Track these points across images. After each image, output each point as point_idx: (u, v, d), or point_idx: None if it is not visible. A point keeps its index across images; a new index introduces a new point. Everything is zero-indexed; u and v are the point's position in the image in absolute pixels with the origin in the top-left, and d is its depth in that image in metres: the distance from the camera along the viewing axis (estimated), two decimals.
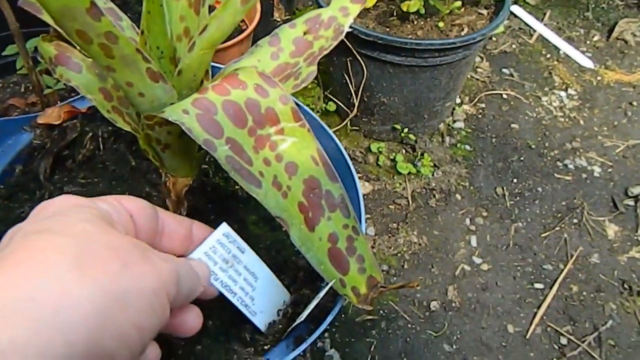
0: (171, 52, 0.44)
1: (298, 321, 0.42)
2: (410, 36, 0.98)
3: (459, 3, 0.98)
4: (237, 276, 0.41)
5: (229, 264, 0.41)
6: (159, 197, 0.54)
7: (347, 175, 0.58)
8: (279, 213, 0.39)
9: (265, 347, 0.47)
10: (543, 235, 1.06)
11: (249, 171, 0.38)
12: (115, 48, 0.34)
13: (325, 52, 0.50)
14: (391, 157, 1.18)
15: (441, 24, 1.00)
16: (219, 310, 0.49)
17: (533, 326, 0.91)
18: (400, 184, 1.14)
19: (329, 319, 0.45)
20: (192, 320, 0.36)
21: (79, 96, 0.64)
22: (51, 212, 0.29)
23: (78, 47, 0.46)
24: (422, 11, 0.96)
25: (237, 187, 0.60)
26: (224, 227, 0.40)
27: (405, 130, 1.16)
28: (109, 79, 0.47)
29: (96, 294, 0.24)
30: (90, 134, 0.60)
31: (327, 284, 0.52)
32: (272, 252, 0.55)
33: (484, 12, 1.05)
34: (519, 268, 1.01)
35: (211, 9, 0.45)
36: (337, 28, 0.51)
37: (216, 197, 0.58)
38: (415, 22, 1.00)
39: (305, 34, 0.53)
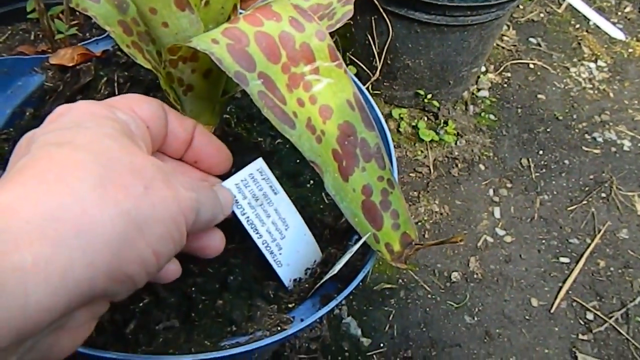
0: None
1: (328, 276, 0.39)
2: None
3: None
4: (265, 217, 0.38)
5: (258, 202, 0.38)
6: None
7: (378, 128, 0.54)
8: (313, 158, 0.35)
9: (290, 305, 0.44)
10: (569, 208, 1.03)
11: (282, 110, 0.34)
12: None
13: None
14: (413, 124, 1.14)
15: None
16: (242, 266, 0.46)
17: (558, 300, 0.88)
18: (422, 151, 1.10)
19: (360, 276, 0.42)
20: (215, 243, 0.36)
21: (92, 40, 0.60)
22: (70, 121, 0.27)
23: None
24: None
25: (259, 139, 0.56)
26: (259, 163, 0.38)
27: (429, 96, 1.12)
28: (129, 11, 0.43)
29: (118, 217, 0.23)
30: (105, 78, 0.56)
31: (356, 241, 0.49)
32: (297, 209, 0.51)
33: None
34: (543, 241, 0.97)
35: None
36: None
37: (238, 149, 0.54)
38: None
39: None
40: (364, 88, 0.57)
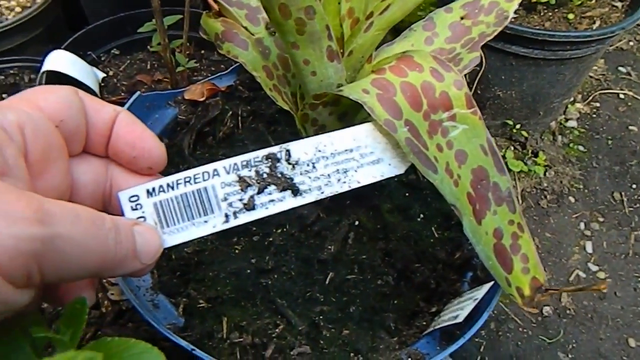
0: (339, 32, 0.43)
1: (452, 322, 0.41)
2: (537, 27, 0.93)
3: None
4: None
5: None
6: None
7: None
8: (453, 201, 0.37)
9: (409, 340, 0.46)
10: None
11: (426, 156, 0.37)
12: (309, 24, 0.34)
13: (488, 39, 0.48)
14: (500, 154, 1.14)
15: (571, 16, 0.94)
16: (362, 296, 0.48)
17: None
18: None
19: (485, 315, 0.43)
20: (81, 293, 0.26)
21: (215, 75, 0.65)
22: None
23: (246, 25, 0.47)
24: (552, 1, 0.91)
25: None
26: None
27: (518, 126, 1.11)
28: (271, 57, 0.47)
29: None
30: (230, 112, 0.61)
31: (472, 279, 0.51)
32: (410, 242, 0.53)
33: (618, 4, 0.98)
34: None
35: None
36: (500, 14, 0.49)
37: None
38: (543, 13, 0.95)
39: (462, 18, 0.51)
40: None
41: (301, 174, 0.29)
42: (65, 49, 0.88)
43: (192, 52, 0.88)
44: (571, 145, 1.18)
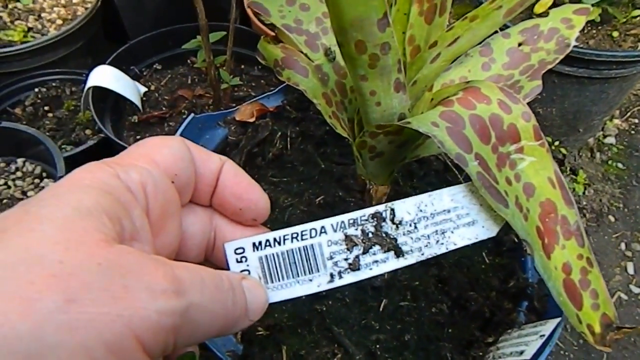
0: (403, 61, 0.43)
1: (524, 357, 0.40)
2: (581, 45, 0.91)
3: (638, 11, 0.91)
4: None
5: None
6: (355, 203, 0.53)
7: None
8: (524, 236, 0.37)
9: None
10: None
11: (497, 190, 0.36)
12: (383, 59, 0.34)
13: (550, 67, 0.47)
14: None
15: (615, 34, 0.93)
16: (417, 324, 0.48)
17: None
18: None
19: (547, 351, 0.42)
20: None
21: (263, 95, 0.65)
22: (61, 186, 0.21)
23: (305, 52, 0.47)
24: (597, 19, 0.90)
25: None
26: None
27: (557, 143, 1.10)
28: (329, 83, 0.47)
29: (3, 342, 0.16)
30: (279, 133, 0.61)
31: (529, 309, 0.50)
32: (462, 269, 0.53)
33: None
34: None
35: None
36: (561, 41, 0.48)
37: None
38: (587, 31, 0.94)
39: (520, 45, 0.50)
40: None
41: (404, 234, 0.28)
42: (109, 64, 0.89)
43: (233, 68, 0.89)
44: (610, 162, 1.16)
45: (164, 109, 0.90)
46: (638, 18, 0.96)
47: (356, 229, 0.27)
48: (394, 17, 0.41)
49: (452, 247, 0.30)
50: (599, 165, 1.15)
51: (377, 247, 0.27)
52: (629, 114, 1.28)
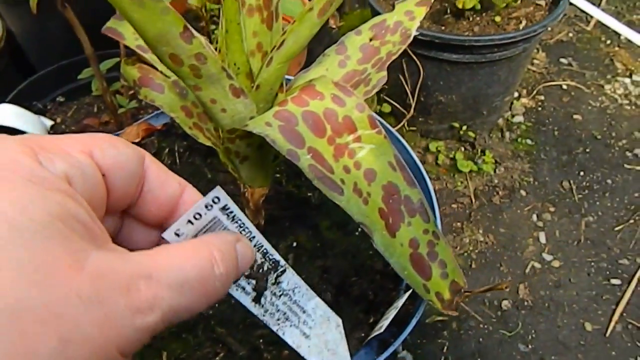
0: (247, 67, 0.45)
1: (380, 330, 0.43)
2: (466, 33, 0.97)
3: None
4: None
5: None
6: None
7: (418, 177, 0.58)
8: (361, 219, 0.40)
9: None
10: (616, 229, 1.03)
11: (331, 179, 0.39)
12: (203, 68, 0.36)
13: (394, 57, 0.51)
14: (450, 156, 1.17)
15: (498, 19, 0.98)
16: None
17: (612, 323, 0.88)
18: (462, 182, 1.13)
19: (413, 321, 0.45)
20: None
21: (152, 114, 0.67)
22: None
23: (161, 69, 0.49)
24: (478, 7, 0.95)
25: (309, 193, 0.61)
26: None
27: (464, 127, 1.15)
28: (189, 96, 0.49)
29: None
30: (167, 149, 0.63)
31: (408, 287, 0.53)
32: (348, 257, 0.55)
33: (542, 2, 1.02)
34: (592, 264, 0.98)
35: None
36: (404, 32, 0.52)
37: (290, 205, 0.59)
38: (471, 19, 0.99)
39: (371, 40, 0.54)
40: (400, 137, 0.62)
41: (271, 292, 0.29)
42: (11, 101, 0.89)
43: (131, 91, 0.90)
44: (519, 140, 1.22)
45: None
46: (518, 2, 1.01)
47: (262, 258, 0.29)
48: (229, 28, 0.43)
49: (280, 334, 0.32)
50: (508, 144, 1.20)
51: (253, 282, 0.29)
52: (534, 91, 1.35)
